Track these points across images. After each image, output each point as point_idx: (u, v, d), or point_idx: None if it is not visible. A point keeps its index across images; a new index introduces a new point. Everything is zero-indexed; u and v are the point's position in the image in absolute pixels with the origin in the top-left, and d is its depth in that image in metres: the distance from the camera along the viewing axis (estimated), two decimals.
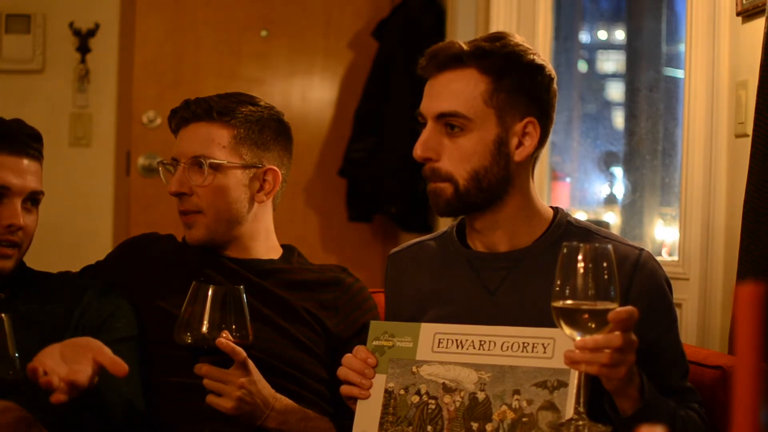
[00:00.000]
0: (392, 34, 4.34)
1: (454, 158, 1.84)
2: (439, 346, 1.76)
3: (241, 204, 2.14)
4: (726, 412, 1.87)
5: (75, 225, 4.33)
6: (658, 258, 1.91)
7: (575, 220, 1.93)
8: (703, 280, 2.71)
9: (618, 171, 3.90)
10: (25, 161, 2.04)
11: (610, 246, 1.53)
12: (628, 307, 1.53)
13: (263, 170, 2.15)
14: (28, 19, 4.31)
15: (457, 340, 1.74)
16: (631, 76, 3.94)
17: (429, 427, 1.71)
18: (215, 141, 2.12)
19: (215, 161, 2.11)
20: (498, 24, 3.56)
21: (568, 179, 3.96)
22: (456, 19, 4.03)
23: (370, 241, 4.63)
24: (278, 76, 4.59)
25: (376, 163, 4.31)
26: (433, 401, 1.73)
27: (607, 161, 3.89)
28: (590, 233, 1.88)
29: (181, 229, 2.17)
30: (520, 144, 1.85)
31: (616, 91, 4.24)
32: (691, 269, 2.74)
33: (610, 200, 3.90)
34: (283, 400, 1.96)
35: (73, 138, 4.37)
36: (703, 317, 2.71)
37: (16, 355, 1.61)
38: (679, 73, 3.29)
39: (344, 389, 1.79)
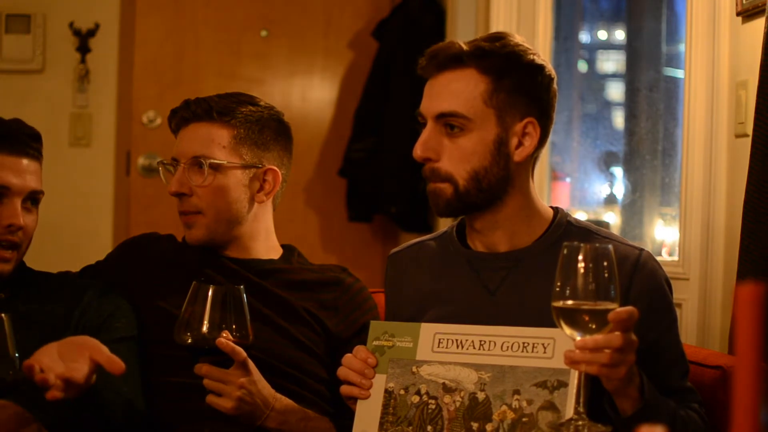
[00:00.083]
0: (392, 34, 4.34)
1: (454, 158, 1.84)
2: (439, 346, 1.76)
3: (241, 204, 2.14)
4: (726, 412, 1.87)
5: (75, 225, 4.33)
6: (658, 258, 1.91)
7: (575, 220, 1.93)
8: (703, 280, 2.71)
9: (618, 171, 3.90)
10: (25, 161, 2.04)
11: (610, 246, 1.53)
12: (628, 308, 1.53)
13: (263, 170, 2.15)
14: (28, 19, 4.31)
15: (457, 340, 1.74)
16: (631, 76, 3.94)
17: (429, 427, 1.71)
18: (215, 141, 2.12)
19: (215, 161, 2.11)
20: (498, 24, 3.56)
21: (568, 179, 3.96)
22: (456, 19, 4.03)
23: (370, 241, 4.63)
24: (278, 76, 4.59)
25: (376, 163, 4.31)
26: (433, 401, 1.73)
27: (607, 161, 3.89)
28: (590, 233, 1.88)
29: (181, 229, 2.17)
30: (519, 144, 1.85)
31: (616, 91, 4.24)
32: (691, 269, 2.74)
33: (610, 200, 3.91)
34: (283, 400, 1.96)
35: (73, 138, 4.37)
36: (703, 317, 2.71)
37: (16, 355, 1.62)
38: (679, 73, 3.29)
39: (344, 389, 1.79)
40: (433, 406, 1.72)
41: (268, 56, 4.58)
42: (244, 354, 1.83)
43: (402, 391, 1.75)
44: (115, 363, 1.70)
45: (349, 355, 1.80)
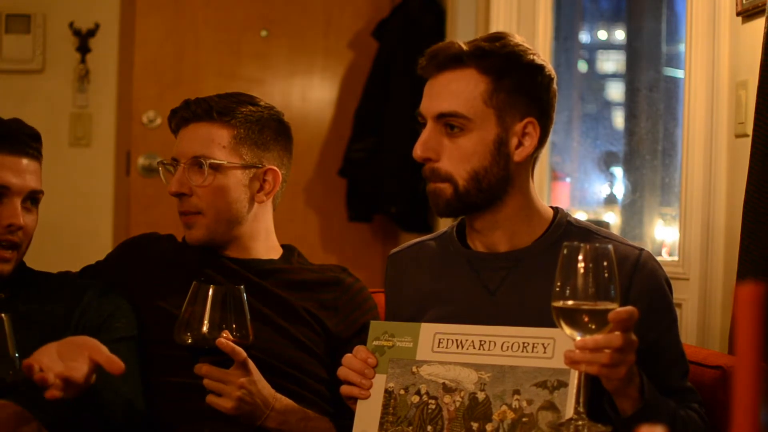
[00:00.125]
0: (392, 34, 4.34)
1: (454, 158, 1.84)
2: (439, 346, 1.76)
3: (241, 204, 2.14)
4: (726, 412, 1.87)
5: (75, 225, 4.33)
6: (658, 258, 1.91)
7: (575, 220, 1.93)
8: (703, 280, 2.71)
9: (618, 171, 3.90)
10: (25, 161, 2.04)
11: (610, 246, 1.53)
12: (628, 307, 1.53)
13: (263, 170, 2.15)
14: (28, 19, 4.31)
15: (457, 340, 1.74)
16: (631, 76, 3.94)
17: (429, 427, 1.71)
18: (215, 141, 2.12)
19: (215, 161, 2.11)
20: (498, 24, 3.56)
21: (568, 179, 3.96)
22: (456, 19, 4.03)
23: (370, 241, 4.63)
24: (278, 76, 4.59)
25: (376, 163, 4.31)
26: (433, 401, 1.73)
27: (607, 161, 3.89)
28: (590, 233, 1.88)
29: (181, 229, 2.17)
30: (519, 144, 1.85)
31: (616, 91, 4.24)
32: (691, 269, 2.74)
33: (610, 200, 3.91)
34: (283, 400, 1.96)
35: (73, 138, 4.37)
36: (703, 317, 2.71)
37: (16, 355, 1.62)
38: (679, 73, 3.29)
39: (344, 389, 1.79)
40: (433, 406, 1.72)
41: (268, 56, 4.58)
42: (244, 354, 1.83)
43: (402, 391, 1.75)
44: (114, 363, 1.70)
45: (349, 355, 1.80)
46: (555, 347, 1.67)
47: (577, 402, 1.55)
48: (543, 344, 1.68)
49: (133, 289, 2.15)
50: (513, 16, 3.58)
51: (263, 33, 4.56)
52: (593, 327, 1.52)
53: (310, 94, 4.61)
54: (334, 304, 2.16)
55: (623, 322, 1.52)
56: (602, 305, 1.51)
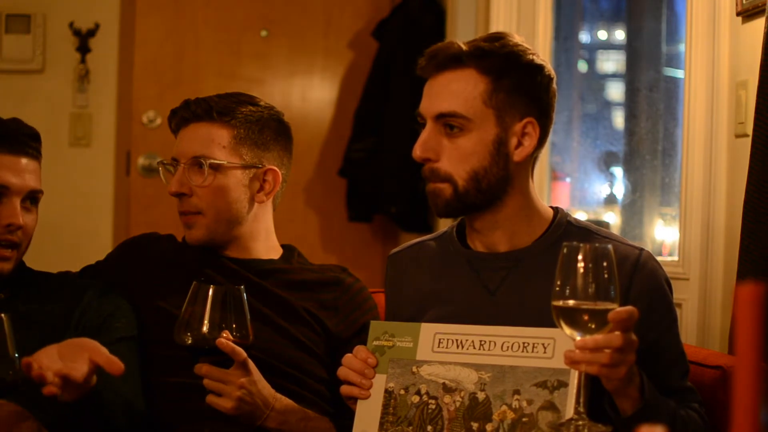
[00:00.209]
0: (392, 34, 4.34)
1: (454, 158, 1.84)
2: (439, 346, 1.76)
3: (241, 204, 2.14)
4: (726, 412, 1.87)
5: (75, 225, 4.33)
6: (658, 258, 1.91)
7: (575, 220, 1.93)
8: (703, 280, 2.71)
9: (618, 171, 3.90)
10: (24, 160, 2.04)
11: (610, 246, 1.53)
12: (628, 307, 1.53)
13: (263, 170, 2.15)
14: (28, 19, 4.31)
15: (457, 340, 1.74)
16: (631, 76, 3.94)
17: (429, 427, 1.71)
18: (215, 141, 2.12)
19: (215, 161, 2.11)
20: (498, 24, 3.56)
21: (568, 179, 3.96)
22: (456, 19, 4.03)
23: (370, 241, 4.63)
24: (278, 76, 4.59)
25: (376, 163, 4.31)
26: (433, 401, 1.73)
27: (607, 161, 3.89)
28: (590, 233, 1.88)
29: (181, 229, 2.17)
30: (519, 144, 1.85)
31: (616, 91, 4.24)
32: (691, 269, 2.74)
33: (610, 200, 3.91)
34: (283, 400, 1.96)
35: (73, 138, 4.37)
36: (703, 317, 2.71)
37: (16, 355, 1.62)
38: (679, 73, 3.29)
39: (344, 389, 1.79)
40: (433, 406, 1.72)
41: (268, 56, 4.58)
42: (244, 354, 1.83)
43: (402, 391, 1.75)
44: (114, 364, 1.70)
45: (349, 355, 1.80)
46: (555, 347, 1.67)
47: (578, 402, 1.55)
48: (543, 344, 1.68)
49: (133, 289, 2.15)
50: (513, 16, 3.58)
51: (263, 33, 4.56)
52: (593, 327, 1.52)
53: (310, 94, 4.61)
54: (334, 304, 2.16)
55: (623, 322, 1.52)
56: (602, 305, 1.51)
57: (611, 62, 4.36)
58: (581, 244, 1.52)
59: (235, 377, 1.85)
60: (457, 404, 1.71)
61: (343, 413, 1.92)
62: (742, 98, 2.54)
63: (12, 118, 2.08)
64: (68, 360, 1.70)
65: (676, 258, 2.88)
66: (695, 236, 2.74)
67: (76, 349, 1.72)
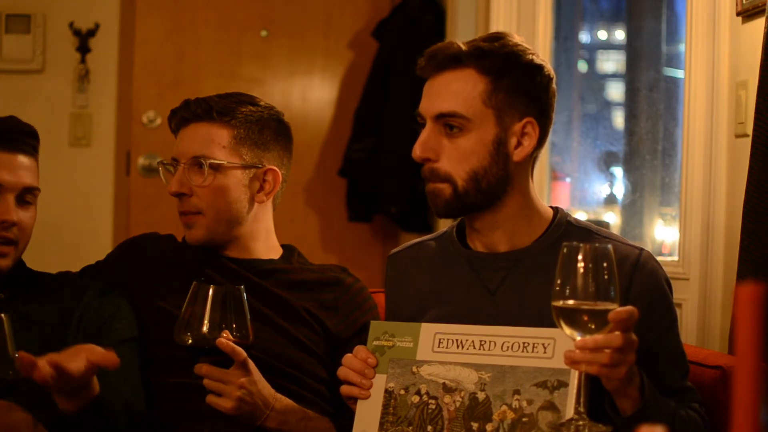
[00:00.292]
0: (392, 34, 4.34)
1: (453, 158, 1.83)
2: (439, 346, 1.76)
3: (241, 204, 2.14)
4: (726, 412, 1.87)
5: (75, 225, 4.33)
6: (658, 258, 1.91)
7: (575, 220, 1.93)
8: (703, 280, 2.71)
9: (618, 171, 3.90)
10: (19, 157, 2.03)
11: (610, 246, 1.53)
12: (628, 307, 1.53)
13: (263, 170, 2.15)
14: (28, 19, 4.31)
15: (457, 340, 1.74)
16: (631, 76, 3.94)
17: (429, 427, 1.71)
18: (215, 141, 2.12)
19: (215, 161, 2.11)
20: (498, 24, 3.56)
21: (568, 179, 3.96)
22: (456, 19, 4.03)
23: (370, 241, 4.63)
24: (278, 76, 4.59)
25: (376, 163, 4.31)
26: (433, 401, 1.73)
27: (607, 161, 3.89)
28: (590, 233, 1.88)
29: (181, 229, 2.17)
30: (519, 144, 1.85)
31: (616, 91, 4.24)
32: (691, 269, 2.74)
33: (610, 200, 3.90)
34: (283, 400, 1.96)
35: (73, 138, 4.37)
36: (703, 317, 2.71)
37: (16, 355, 1.62)
38: (679, 73, 3.29)
39: (344, 389, 1.79)
40: (433, 406, 1.72)
41: (268, 56, 4.58)
42: (244, 354, 1.83)
43: (402, 391, 1.75)
44: (109, 359, 1.71)
45: (349, 355, 1.80)
46: (555, 347, 1.67)
47: (578, 402, 1.55)
48: (543, 344, 1.68)
49: (133, 289, 2.15)
50: (513, 16, 3.58)
51: (263, 33, 4.56)
52: (593, 327, 1.52)
53: (310, 94, 4.61)
54: (334, 304, 2.16)
55: (623, 322, 1.52)
56: (602, 305, 1.51)
57: (611, 62, 4.36)
58: (581, 244, 1.52)
59: (235, 377, 1.85)
60: (457, 404, 1.71)
61: (343, 413, 1.92)
62: (742, 98, 2.54)
63: (8, 116, 2.08)
64: (64, 358, 1.70)
65: (676, 258, 2.88)
66: (695, 236, 2.74)
67: (72, 350, 1.73)
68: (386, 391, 1.76)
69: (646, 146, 3.57)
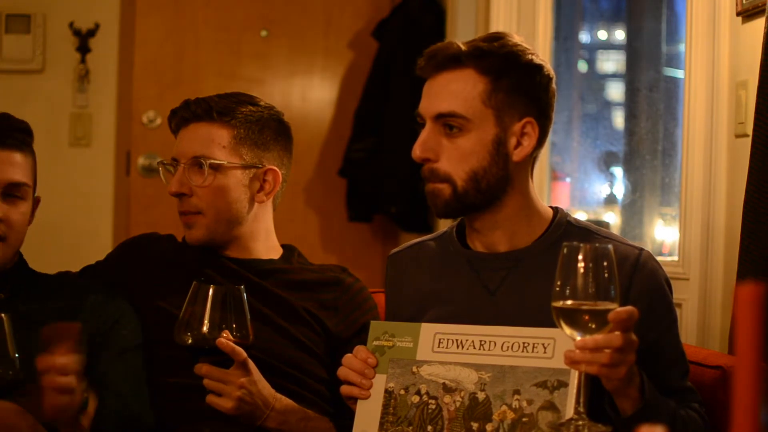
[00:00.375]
0: (392, 34, 4.34)
1: (453, 159, 1.83)
2: (439, 346, 1.76)
3: (241, 204, 2.14)
4: (726, 412, 1.87)
5: (75, 225, 4.33)
6: (658, 258, 1.91)
7: (575, 220, 1.92)
8: (703, 280, 2.71)
9: (618, 171, 3.90)
10: (6, 153, 2.00)
11: (610, 246, 1.53)
12: (628, 307, 1.53)
13: (263, 170, 2.15)
14: (28, 19, 4.30)
15: (457, 340, 1.74)
16: (631, 76, 3.94)
17: (429, 427, 1.71)
18: (215, 141, 2.12)
19: (215, 161, 2.11)
20: (498, 24, 3.56)
21: (568, 179, 3.96)
22: (456, 19, 4.03)
23: (370, 241, 4.63)
24: (278, 76, 4.59)
25: (376, 163, 4.31)
26: (433, 401, 1.73)
27: (607, 161, 3.89)
28: (590, 233, 1.88)
29: (181, 229, 2.17)
30: (518, 144, 1.85)
31: (616, 91, 4.24)
32: (691, 269, 2.74)
33: (610, 200, 3.90)
34: (283, 400, 1.96)
35: (73, 138, 4.37)
36: (703, 317, 2.71)
37: (16, 355, 1.62)
38: (679, 73, 3.29)
39: (344, 389, 1.79)
40: (433, 406, 1.72)
41: (268, 56, 4.58)
42: (245, 354, 1.83)
43: (402, 391, 1.75)
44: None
45: (349, 355, 1.80)
46: (555, 347, 1.67)
47: (577, 402, 1.55)
48: (543, 344, 1.68)
49: (133, 289, 2.15)
50: (513, 16, 3.58)
51: (263, 33, 4.56)
52: (593, 327, 1.52)
53: (310, 94, 4.61)
54: (334, 304, 2.16)
55: (623, 322, 1.52)
56: (602, 305, 1.51)
57: (611, 62, 4.36)
58: (581, 244, 1.52)
59: (235, 377, 1.85)
60: (457, 404, 1.71)
61: (343, 413, 1.92)
62: (742, 98, 2.54)
63: (1, 113, 2.06)
64: None
65: (676, 258, 2.88)
66: (695, 236, 2.74)
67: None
68: (386, 391, 1.76)
69: (646, 146, 3.57)
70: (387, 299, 2.04)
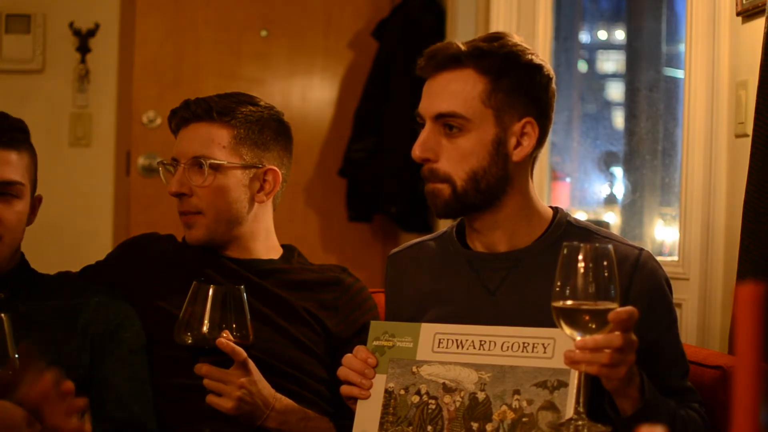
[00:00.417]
0: (392, 34, 4.34)
1: (453, 159, 1.83)
2: (439, 346, 1.76)
3: (241, 204, 2.14)
4: (726, 412, 1.87)
5: (75, 225, 4.33)
6: (658, 258, 1.91)
7: (575, 220, 1.92)
8: (703, 280, 2.71)
9: (618, 171, 3.90)
10: (0, 151, 1.98)
11: (610, 246, 1.53)
12: (628, 307, 1.53)
13: (263, 170, 2.15)
14: (28, 19, 4.30)
15: (457, 340, 1.74)
16: (631, 76, 3.94)
17: (429, 427, 1.71)
18: (215, 141, 2.12)
19: (215, 161, 2.11)
20: (498, 24, 3.56)
21: (568, 179, 3.96)
22: (456, 19, 4.03)
23: (370, 241, 4.63)
24: (278, 76, 4.59)
25: (376, 163, 4.31)
26: (433, 401, 1.73)
27: (607, 161, 3.89)
28: (590, 233, 1.88)
29: (181, 229, 2.17)
30: (518, 144, 1.85)
31: (616, 91, 4.24)
32: (691, 269, 2.74)
33: (610, 200, 3.90)
34: (283, 400, 1.96)
35: (73, 138, 4.37)
36: (703, 317, 2.71)
37: (16, 355, 1.61)
38: (679, 73, 3.29)
39: (344, 389, 1.79)
40: (433, 406, 1.72)
41: (268, 56, 4.58)
42: (245, 354, 1.83)
43: (402, 391, 1.75)
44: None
45: (349, 355, 1.80)
46: (555, 347, 1.67)
47: (577, 402, 1.55)
48: (543, 344, 1.68)
49: (133, 289, 2.15)
50: (513, 16, 3.58)
51: (263, 33, 4.56)
52: (593, 327, 1.52)
53: (310, 94, 4.61)
54: (334, 304, 2.16)
55: (623, 322, 1.52)
56: (602, 305, 1.51)
57: (611, 62, 4.36)
58: (581, 244, 1.52)
59: (235, 377, 1.85)
60: (457, 404, 1.71)
61: (343, 413, 1.92)
62: (742, 98, 2.54)
63: None
64: None
65: (676, 258, 2.88)
66: (695, 236, 2.74)
67: None
68: (386, 391, 1.76)
69: (646, 146, 3.57)
70: (387, 299, 2.04)
